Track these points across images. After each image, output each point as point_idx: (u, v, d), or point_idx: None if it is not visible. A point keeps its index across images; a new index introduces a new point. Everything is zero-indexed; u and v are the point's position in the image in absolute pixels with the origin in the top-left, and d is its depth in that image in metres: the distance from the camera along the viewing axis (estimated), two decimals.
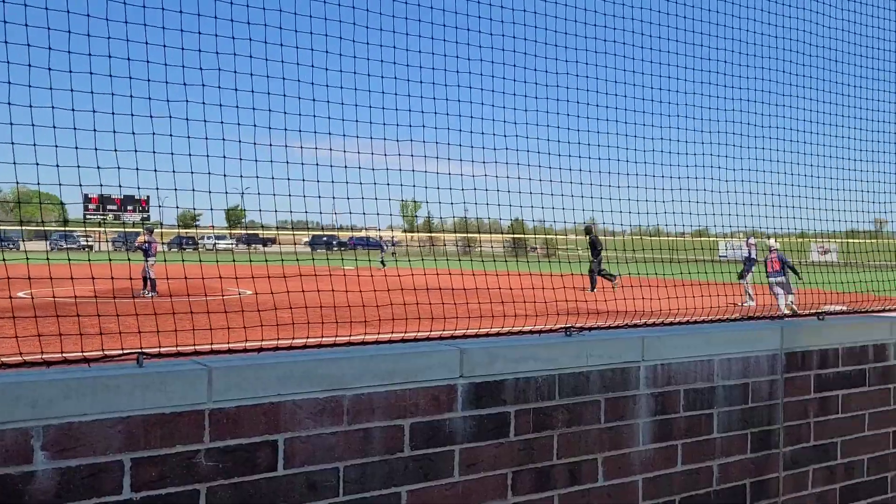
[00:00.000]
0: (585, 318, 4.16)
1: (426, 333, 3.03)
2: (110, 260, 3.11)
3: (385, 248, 35.46)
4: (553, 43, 3.97)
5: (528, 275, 4.41)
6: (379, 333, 2.98)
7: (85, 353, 2.38)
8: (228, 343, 2.63)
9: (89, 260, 2.90)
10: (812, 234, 5.61)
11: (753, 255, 19.32)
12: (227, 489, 2.46)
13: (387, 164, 3.44)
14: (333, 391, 2.67)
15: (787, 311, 15.95)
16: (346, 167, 3.36)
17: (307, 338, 2.79)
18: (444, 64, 3.69)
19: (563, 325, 3.36)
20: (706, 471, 3.50)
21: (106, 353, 2.39)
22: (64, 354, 2.34)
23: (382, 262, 33.36)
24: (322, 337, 2.90)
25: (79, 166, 2.73)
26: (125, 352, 2.43)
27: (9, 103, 2.58)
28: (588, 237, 21.51)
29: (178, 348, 2.50)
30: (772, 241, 15.68)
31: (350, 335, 2.86)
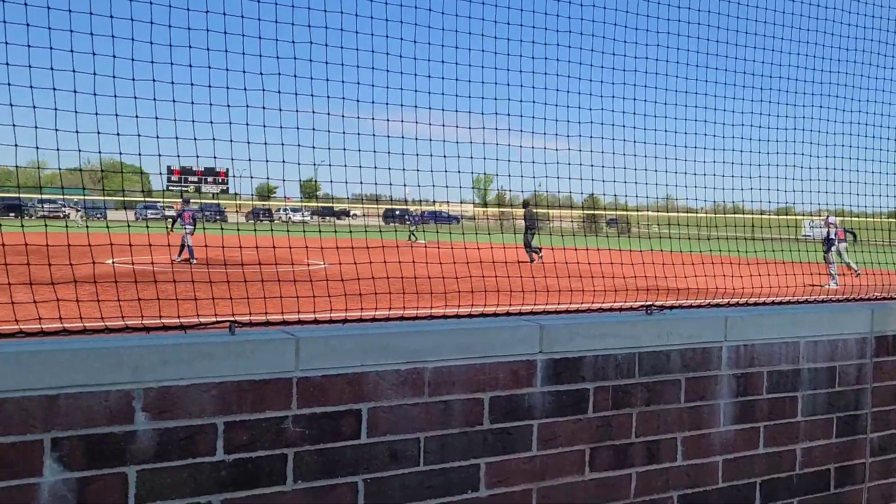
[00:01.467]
0: (666, 296, 4.11)
1: (506, 308, 3.05)
2: (205, 230, 3.21)
3: (413, 221, 34.07)
4: (634, 11, 3.89)
5: (606, 251, 4.38)
6: (459, 307, 3.00)
7: (181, 320, 2.48)
8: (314, 313, 2.70)
9: (168, 229, 2.99)
10: None
11: (833, 235, 18.74)
12: (313, 455, 2.54)
13: (457, 137, 3.44)
14: (414, 363, 2.72)
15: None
16: (417, 139, 3.37)
17: (389, 310, 2.83)
18: (520, 34, 3.64)
19: (643, 303, 3.33)
20: (789, 454, 3.43)
21: (201, 320, 2.48)
22: (163, 321, 2.44)
23: (413, 234, 32.82)
24: (403, 309, 2.94)
25: (158, 137, 2.82)
26: (218, 319, 2.52)
27: (93, 73, 2.67)
28: (525, 210, 21.98)
29: (268, 317, 2.57)
30: (830, 217, 15.85)
31: (431, 308, 2.89)
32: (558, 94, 3.75)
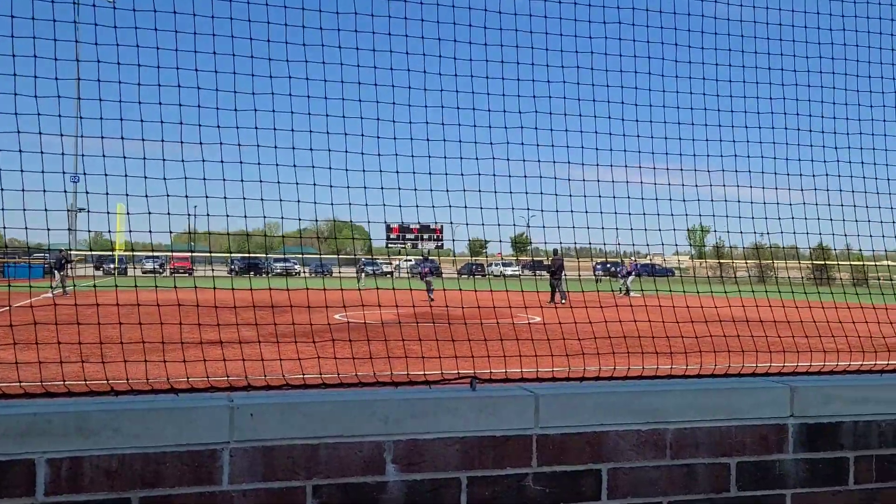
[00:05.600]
0: None
1: (752, 368, 2.88)
2: (411, 288, 3.34)
3: (623, 273, 34.72)
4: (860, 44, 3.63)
5: (845, 307, 4.02)
6: (701, 365, 2.88)
7: (426, 374, 2.57)
8: (552, 369, 2.70)
9: (392, 287, 3.12)
10: None
11: None
12: None
13: (669, 193, 3.34)
14: (655, 424, 2.63)
15: None
16: (628, 197, 3.31)
17: (628, 368, 2.77)
18: (743, 91, 3.50)
19: None
20: None
21: (444, 375, 2.57)
22: (409, 375, 2.55)
23: (622, 288, 32.77)
24: (642, 367, 2.87)
25: (384, 205, 2.98)
26: (460, 375, 2.59)
27: (328, 150, 2.89)
28: (555, 258, 26.65)
29: (507, 373, 2.61)
30: None
31: (671, 366, 2.80)
32: (776, 146, 3.56)
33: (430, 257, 28.71)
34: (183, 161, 2.52)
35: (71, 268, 29.87)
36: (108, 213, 2.47)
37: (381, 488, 2.38)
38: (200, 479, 2.26)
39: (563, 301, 24.31)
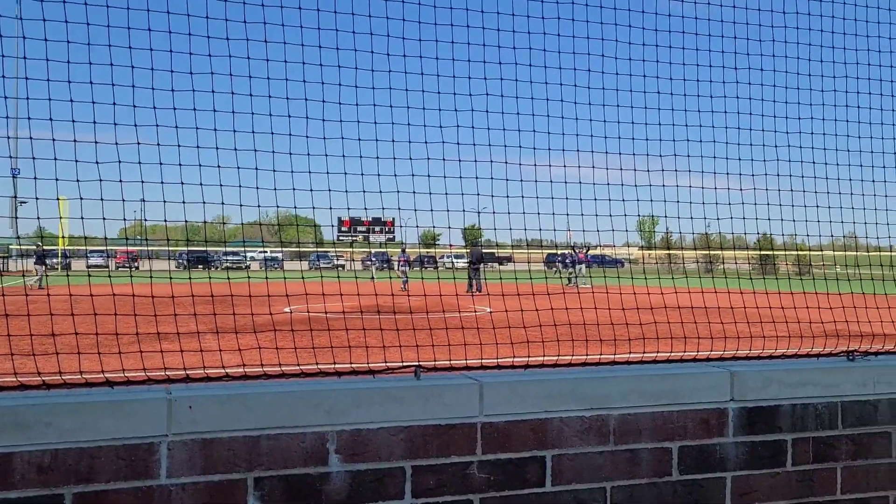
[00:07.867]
0: (870, 342, 3.80)
1: (693, 354, 2.92)
2: (373, 279, 3.30)
3: (567, 263, 35.82)
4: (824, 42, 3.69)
5: (788, 294, 4.12)
6: (644, 353, 2.91)
7: (371, 365, 2.55)
8: (497, 359, 2.70)
9: (338, 277, 3.08)
10: None
11: None
12: (498, 501, 2.52)
13: (622, 180, 3.35)
14: (599, 410, 2.65)
15: None
16: (580, 183, 3.31)
17: (571, 356, 2.79)
18: (684, 72, 3.53)
19: (844, 349, 3.09)
20: None
21: (388, 365, 2.55)
22: (353, 365, 2.52)
23: (570, 278, 33.10)
24: (586, 355, 2.89)
25: (330, 190, 2.91)
26: (404, 364, 2.57)
27: (271, 132, 2.82)
28: (473, 248, 28.92)
29: (451, 362, 2.60)
30: None
31: (614, 354, 2.83)
32: (728, 131, 3.60)
33: (406, 250, 31.46)
34: (116, 144, 2.44)
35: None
36: (36, 198, 2.39)
37: (324, 479, 2.35)
38: (137, 474, 2.21)
39: (479, 291, 24.95)
